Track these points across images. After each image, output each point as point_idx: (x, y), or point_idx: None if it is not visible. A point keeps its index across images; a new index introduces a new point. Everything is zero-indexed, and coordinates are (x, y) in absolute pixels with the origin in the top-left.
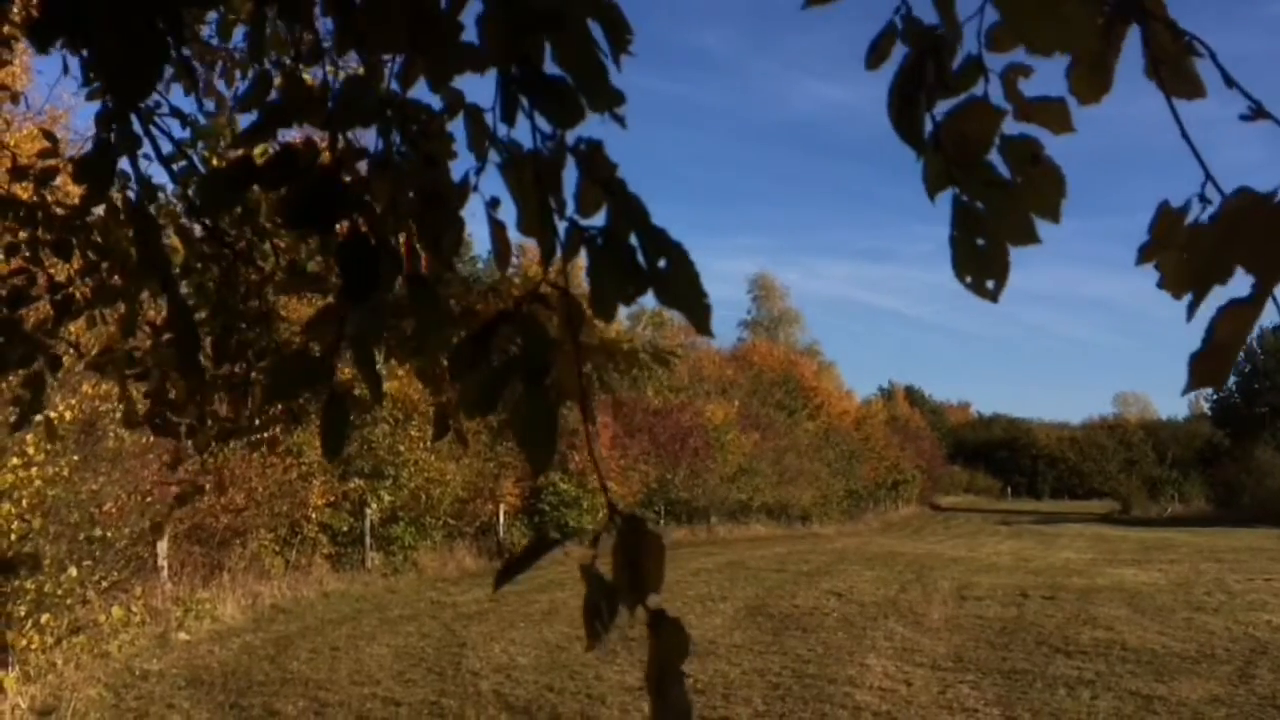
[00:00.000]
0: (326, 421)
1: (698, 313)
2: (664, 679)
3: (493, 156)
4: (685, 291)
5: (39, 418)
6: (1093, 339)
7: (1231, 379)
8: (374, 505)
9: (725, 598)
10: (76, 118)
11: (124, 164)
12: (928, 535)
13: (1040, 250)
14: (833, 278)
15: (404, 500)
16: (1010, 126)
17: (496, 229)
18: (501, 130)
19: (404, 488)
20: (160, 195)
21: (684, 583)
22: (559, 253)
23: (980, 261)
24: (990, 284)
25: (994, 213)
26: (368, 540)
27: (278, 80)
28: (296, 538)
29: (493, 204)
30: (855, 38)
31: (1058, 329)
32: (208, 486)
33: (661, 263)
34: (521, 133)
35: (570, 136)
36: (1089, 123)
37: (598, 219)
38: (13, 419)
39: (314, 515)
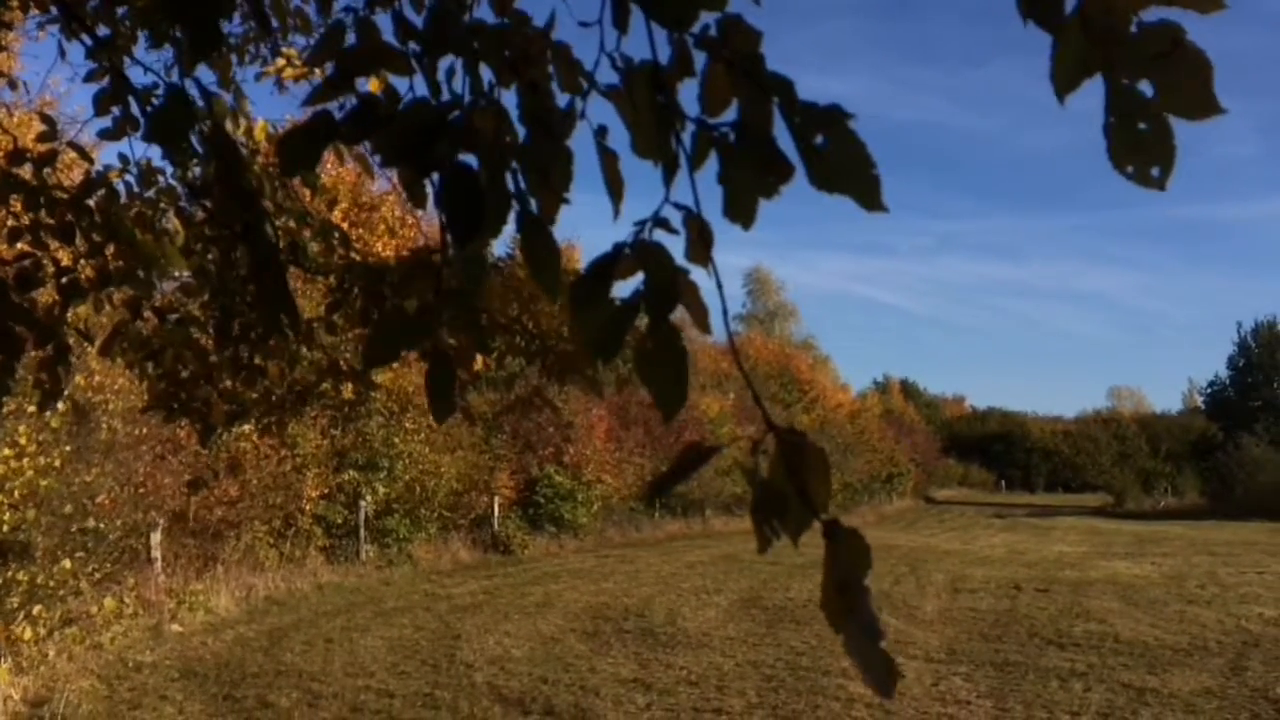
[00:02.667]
0: (433, 384)
1: (865, 187)
2: (849, 591)
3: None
4: (849, 166)
5: (61, 404)
6: (1087, 333)
7: (1225, 372)
8: (368, 497)
9: (720, 590)
10: (67, 104)
11: (122, 145)
12: (922, 528)
13: (1035, 244)
14: (830, 272)
15: (399, 492)
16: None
17: (607, 159)
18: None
19: (399, 480)
20: (159, 178)
21: (678, 575)
22: (683, 167)
23: (1143, 147)
24: (1156, 171)
25: (1164, 87)
26: (362, 532)
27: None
28: (291, 530)
29: (600, 132)
30: (852, 32)
31: (1053, 323)
32: (220, 472)
33: (818, 139)
34: (632, 46)
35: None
36: (1083, 117)
37: (726, 115)
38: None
39: (308, 507)
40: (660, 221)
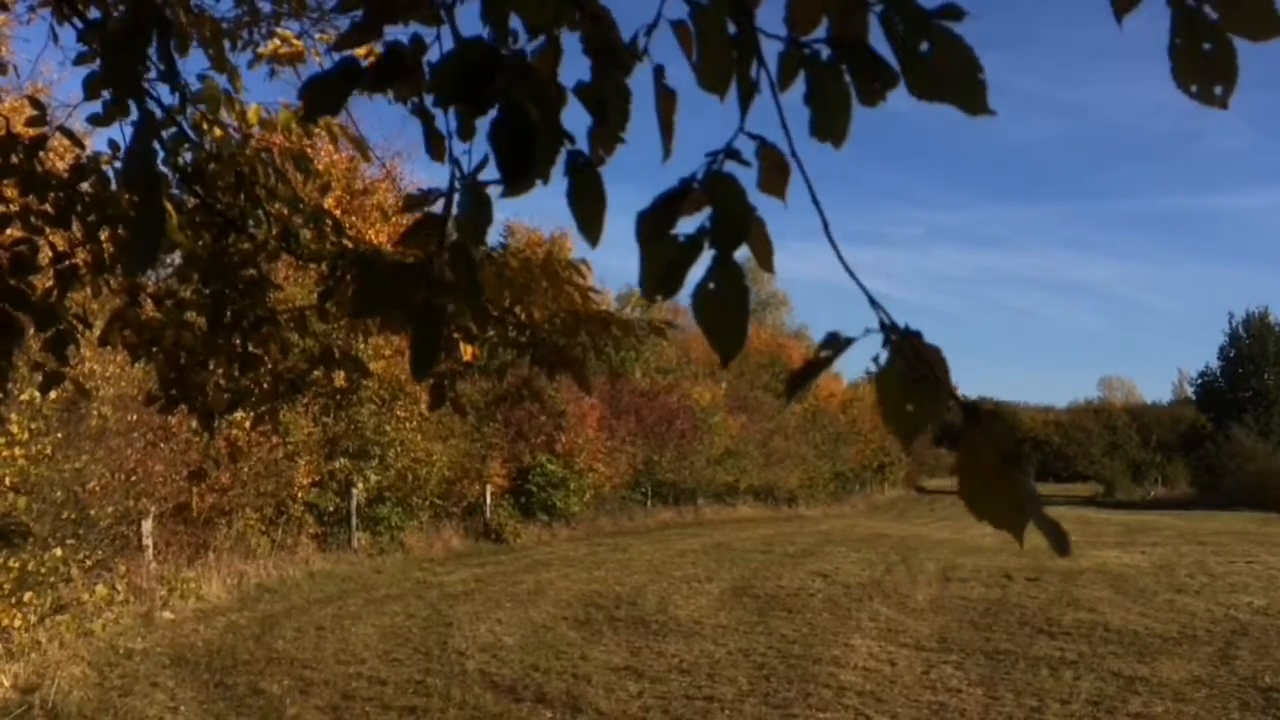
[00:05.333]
0: (418, 336)
1: (971, 93)
2: (1013, 461)
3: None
4: (954, 71)
5: (54, 390)
6: (1078, 323)
7: (1215, 363)
8: (360, 485)
9: (711, 578)
10: (59, 91)
11: (113, 132)
12: (913, 517)
13: (1025, 234)
14: (821, 261)
15: (390, 480)
16: None
17: (665, 98)
18: None
19: (390, 468)
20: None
21: (670, 563)
22: (770, 86)
23: (1207, 67)
24: (1219, 90)
25: (1230, 7)
26: (354, 520)
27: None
28: (282, 517)
29: (659, 71)
30: None
31: (1044, 313)
32: (221, 461)
33: (923, 46)
34: None
35: None
36: (1076, 109)
37: (816, 33)
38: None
39: (300, 495)
40: (732, 153)
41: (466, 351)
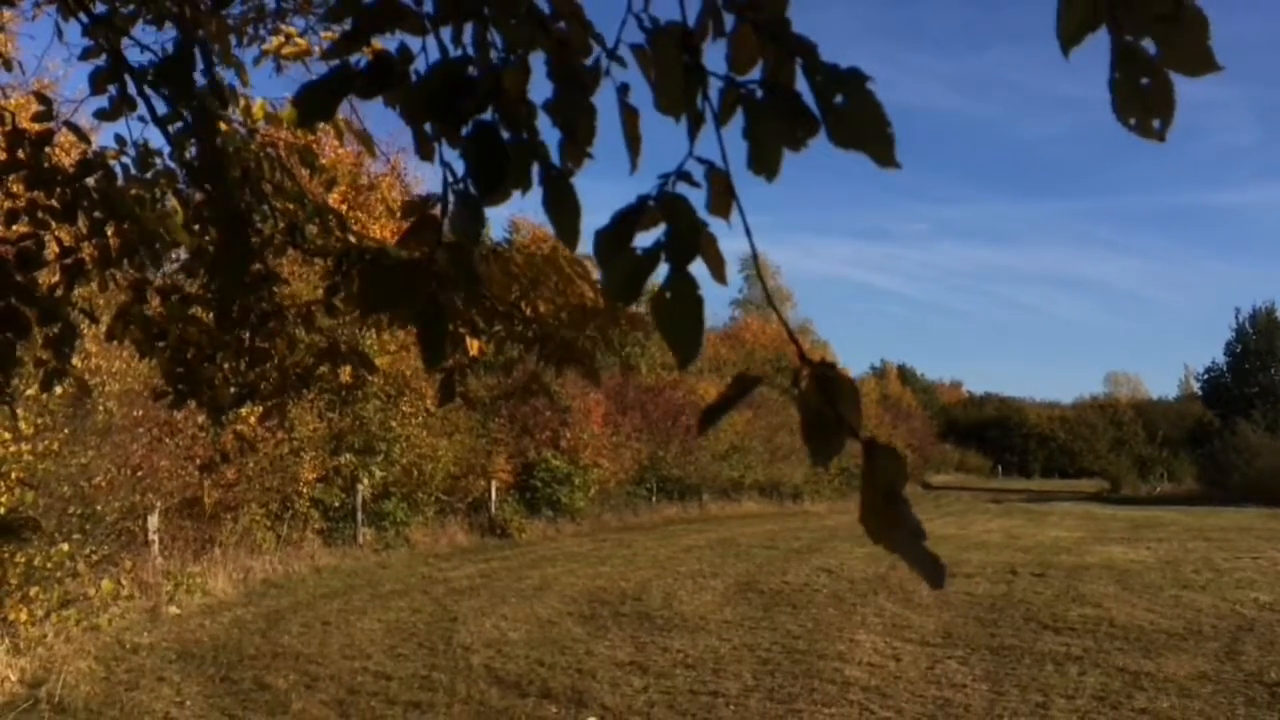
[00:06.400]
0: (424, 330)
1: (881, 145)
2: (895, 499)
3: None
4: (867, 125)
5: (59, 387)
6: (1085, 319)
7: (1222, 359)
8: (366, 481)
9: (716, 574)
10: (66, 88)
11: (119, 127)
12: (919, 513)
13: (1032, 230)
14: (827, 257)
15: (396, 476)
16: None
17: (628, 116)
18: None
19: (396, 463)
20: (157, 160)
21: (675, 559)
22: (709, 122)
23: (1145, 101)
24: (1157, 123)
25: (1166, 45)
26: (359, 516)
27: None
28: (288, 513)
29: (623, 89)
30: (851, 17)
31: (1049, 309)
32: (230, 454)
33: (838, 99)
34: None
35: None
36: (1079, 106)
37: (752, 74)
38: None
39: (305, 490)
40: (683, 175)
41: (473, 346)
